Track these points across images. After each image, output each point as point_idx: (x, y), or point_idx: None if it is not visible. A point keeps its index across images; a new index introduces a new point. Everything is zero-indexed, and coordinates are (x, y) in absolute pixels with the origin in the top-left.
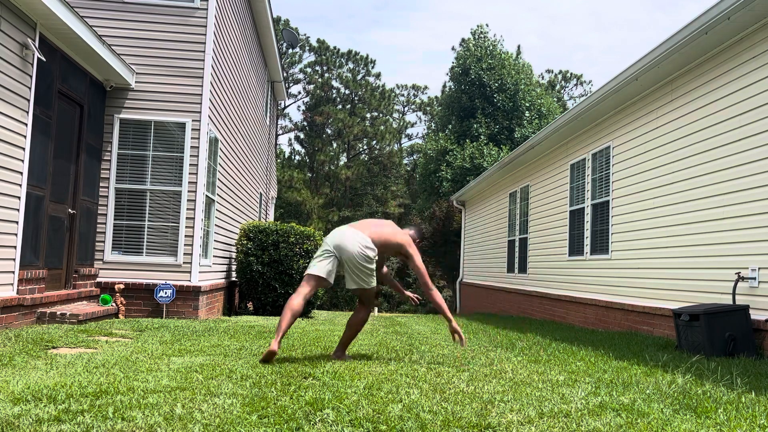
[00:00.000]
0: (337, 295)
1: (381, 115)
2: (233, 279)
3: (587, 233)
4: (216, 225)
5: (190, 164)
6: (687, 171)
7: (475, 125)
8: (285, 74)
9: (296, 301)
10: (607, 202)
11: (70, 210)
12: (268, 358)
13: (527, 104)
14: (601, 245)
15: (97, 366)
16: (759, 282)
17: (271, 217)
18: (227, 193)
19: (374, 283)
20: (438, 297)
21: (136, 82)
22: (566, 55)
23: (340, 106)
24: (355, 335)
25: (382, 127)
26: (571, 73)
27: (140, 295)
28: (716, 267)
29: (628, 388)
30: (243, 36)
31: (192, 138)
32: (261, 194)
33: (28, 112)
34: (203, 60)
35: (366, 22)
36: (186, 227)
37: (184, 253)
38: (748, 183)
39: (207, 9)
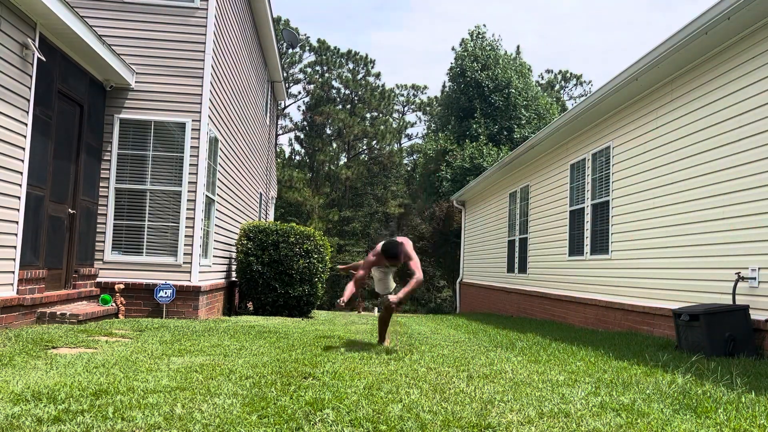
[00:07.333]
0: (337, 295)
1: (381, 115)
2: (233, 279)
3: (587, 233)
4: (216, 225)
5: (190, 164)
6: (687, 171)
7: (474, 125)
8: (285, 74)
9: None
10: (607, 202)
11: (70, 210)
12: None
13: (523, 102)
14: (601, 245)
15: (97, 366)
16: (759, 282)
17: (271, 217)
18: (227, 193)
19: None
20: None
21: (136, 82)
22: (566, 55)
23: (340, 106)
24: None
25: (382, 127)
26: (571, 73)
27: (140, 295)
28: (716, 267)
29: (628, 388)
30: (243, 36)
31: (192, 138)
32: (261, 194)
33: (28, 112)
34: (203, 60)
35: (366, 22)
36: (186, 227)
37: (184, 253)
38: (747, 183)
39: (207, 9)
